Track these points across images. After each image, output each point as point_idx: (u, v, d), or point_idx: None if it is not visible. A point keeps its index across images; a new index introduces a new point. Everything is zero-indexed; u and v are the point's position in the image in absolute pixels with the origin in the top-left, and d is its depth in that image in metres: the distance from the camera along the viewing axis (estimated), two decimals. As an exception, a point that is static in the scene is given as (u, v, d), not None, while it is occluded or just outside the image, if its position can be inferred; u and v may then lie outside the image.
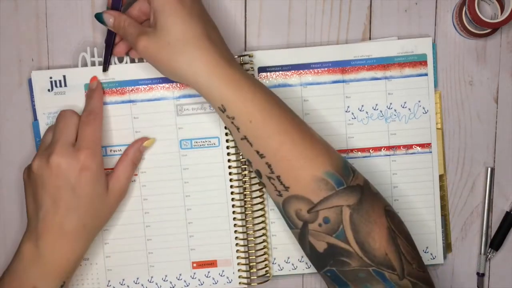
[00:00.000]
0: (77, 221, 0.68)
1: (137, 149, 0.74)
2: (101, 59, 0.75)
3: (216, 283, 0.77)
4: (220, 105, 0.65)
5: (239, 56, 0.76)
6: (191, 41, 0.65)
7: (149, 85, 0.76)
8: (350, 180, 0.65)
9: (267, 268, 0.77)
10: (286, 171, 0.65)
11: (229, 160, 0.76)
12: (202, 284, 0.78)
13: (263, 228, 0.77)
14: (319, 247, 0.65)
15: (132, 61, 0.76)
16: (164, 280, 0.77)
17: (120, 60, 0.75)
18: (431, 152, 0.77)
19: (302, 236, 0.66)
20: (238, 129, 0.66)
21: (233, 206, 0.77)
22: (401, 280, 0.64)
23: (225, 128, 0.76)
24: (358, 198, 0.64)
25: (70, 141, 0.69)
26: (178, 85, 0.76)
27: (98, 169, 0.69)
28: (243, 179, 0.76)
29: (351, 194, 0.64)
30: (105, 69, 0.75)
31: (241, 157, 0.76)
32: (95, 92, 0.74)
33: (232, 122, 0.66)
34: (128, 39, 0.69)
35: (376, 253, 0.63)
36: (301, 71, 0.76)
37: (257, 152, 0.66)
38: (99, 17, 0.70)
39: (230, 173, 0.76)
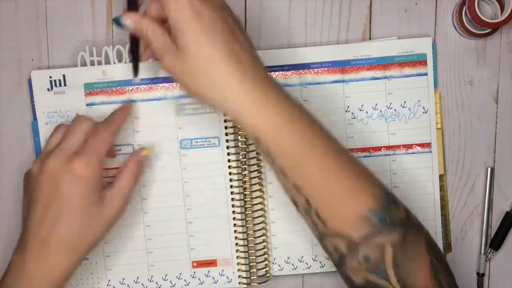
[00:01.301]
0: (64, 234, 0.64)
1: (137, 161, 0.70)
2: (100, 59, 0.75)
3: (216, 283, 0.77)
4: (254, 136, 0.60)
5: (239, 56, 0.76)
6: (216, 65, 0.58)
7: (149, 85, 0.76)
8: (393, 215, 0.61)
9: (267, 268, 0.77)
10: (325, 206, 0.61)
11: (229, 160, 0.76)
12: (202, 284, 0.78)
13: (263, 228, 0.77)
14: (356, 280, 0.62)
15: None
16: (164, 280, 0.77)
17: (120, 59, 0.76)
18: (431, 152, 0.77)
19: (338, 267, 0.63)
20: (273, 160, 0.61)
21: (233, 206, 0.77)
22: None
23: (225, 128, 0.76)
24: (401, 236, 0.60)
25: (73, 148, 0.65)
26: (178, 85, 0.76)
27: (93, 179, 0.64)
28: (243, 179, 0.76)
29: (395, 232, 0.60)
30: (136, 75, 0.68)
31: (241, 157, 0.76)
32: (124, 110, 0.72)
33: (268, 153, 0.61)
34: (153, 49, 0.62)
35: None
36: (301, 71, 0.76)
37: (295, 184, 0.61)
38: (117, 21, 0.62)
39: (230, 173, 0.76)
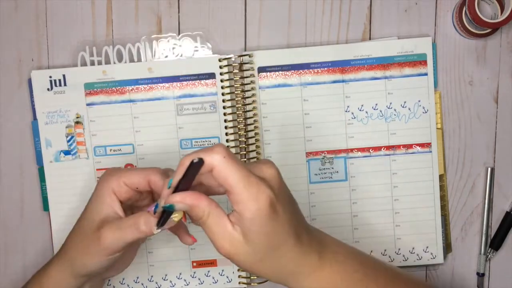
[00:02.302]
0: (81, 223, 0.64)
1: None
2: (100, 59, 0.75)
3: (216, 283, 0.77)
4: None
5: (239, 56, 0.76)
6: (285, 254, 0.58)
7: (149, 85, 0.76)
8: None
9: (267, 268, 0.77)
10: None
11: (229, 160, 0.76)
12: (202, 284, 0.77)
13: (263, 228, 0.77)
14: None
15: (132, 60, 0.76)
16: (164, 279, 0.77)
17: (120, 59, 0.76)
18: (431, 151, 0.77)
19: None
20: None
21: (233, 206, 0.77)
22: None
23: (225, 128, 0.76)
24: None
25: (129, 169, 0.63)
26: (178, 85, 0.76)
27: (105, 195, 0.62)
28: (243, 179, 0.76)
29: None
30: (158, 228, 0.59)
31: (241, 157, 0.76)
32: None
33: None
34: (208, 234, 0.57)
35: None
36: (301, 71, 0.76)
37: None
38: (169, 208, 0.57)
39: (230, 173, 0.76)
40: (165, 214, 0.57)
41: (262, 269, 0.59)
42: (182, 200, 0.56)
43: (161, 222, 0.58)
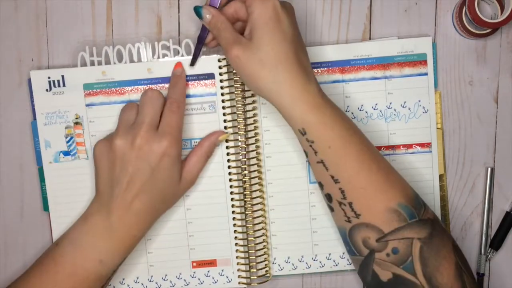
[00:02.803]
0: (148, 202, 0.69)
1: (212, 143, 0.75)
2: (100, 59, 0.75)
3: (215, 283, 0.77)
4: (301, 128, 0.66)
5: (239, 56, 0.76)
6: (282, 63, 0.65)
7: (148, 85, 0.76)
8: (422, 213, 0.66)
9: (267, 268, 0.77)
10: (359, 199, 0.65)
11: (229, 160, 0.76)
12: (201, 284, 0.78)
13: (263, 228, 0.77)
14: (383, 277, 0.65)
15: (132, 60, 0.76)
16: (164, 280, 0.77)
17: (120, 59, 0.75)
18: (431, 151, 0.77)
19: (365, 264, 0.67)
20: (315, 153, 0.66)
21: (233, 206, 0.77)
22: None
23: (225, 128, 0.76)
24: (429, 232, 0.65)
25: (155, 124, 0.70)
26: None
27: (177, 157, 0.70)
28: (243, 179, 0.76)
29: (423, 228, 0.65)
30: (193, 64, 0.75)
31: (241, 157, 0.76)
32: (179, 80, 0.74)
33: (311, 146, 0.66)
34: (221, 42, 0.69)
35: None
36: (301, 71, 0.76)
37: (332, 177, 0.66)
38: (198, 10, 0.70)
39: (230, 173, 0.76)
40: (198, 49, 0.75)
41: (262, 77, 0.66)
42: (209, 11, 0.69)
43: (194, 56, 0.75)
